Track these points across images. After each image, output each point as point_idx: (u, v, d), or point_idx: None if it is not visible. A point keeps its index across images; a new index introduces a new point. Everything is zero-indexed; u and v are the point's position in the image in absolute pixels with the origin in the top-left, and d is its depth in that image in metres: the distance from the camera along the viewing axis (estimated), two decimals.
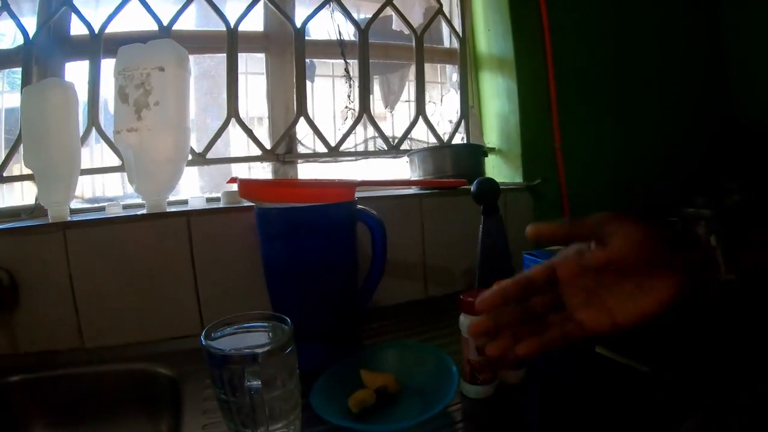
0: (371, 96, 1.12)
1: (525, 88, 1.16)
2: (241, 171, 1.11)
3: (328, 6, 1.12)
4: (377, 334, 0.84)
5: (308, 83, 1.11)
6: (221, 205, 0.94)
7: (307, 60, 1.10)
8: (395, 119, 1.25)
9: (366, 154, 1.12)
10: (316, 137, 1.08)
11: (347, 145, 1.13)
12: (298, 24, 1.09)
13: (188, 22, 1.09)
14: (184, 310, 0.84)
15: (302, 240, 0.68)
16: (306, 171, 1.11)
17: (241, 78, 1.06)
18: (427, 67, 1.21)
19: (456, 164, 1.02)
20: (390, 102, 1.26)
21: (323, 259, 0.69)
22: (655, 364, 0.65)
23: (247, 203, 0.84)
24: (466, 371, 0.60)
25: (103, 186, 1.10)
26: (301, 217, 0.67)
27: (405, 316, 0.91)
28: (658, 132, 1.37)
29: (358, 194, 0.97)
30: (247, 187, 0.72)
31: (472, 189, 0.77)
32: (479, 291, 0.52)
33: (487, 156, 1.08)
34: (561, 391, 0.62)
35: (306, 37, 1.10)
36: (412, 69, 1.20)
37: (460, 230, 0.98)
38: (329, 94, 1.18)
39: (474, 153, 1.05)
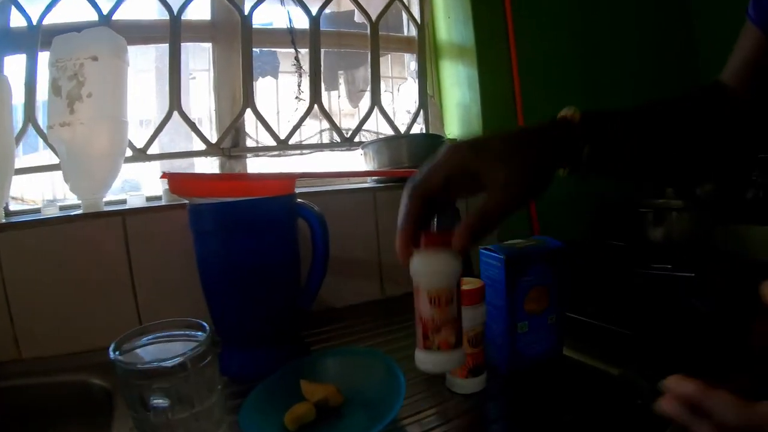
0: (337, 92, 1.09)
1: (486, 77, 1.14)
2: (192, 167, 1.07)
3: None
4: (328, 338, 0.81)
5: (271, 79, 1.09)
6: (162, 203, 0.90)
7: (270, 53, 1.07)
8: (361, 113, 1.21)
9: (317, 146, 1.09)
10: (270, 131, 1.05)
11: (299, 139, 1.09)
12: (246, 11, 1.05)
13: (137, 12, 1.04)
14: (122, 317, 0.81)
15: (236, 238, 0.65)
16: (256, 167, 1.08)
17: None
18: (388, 57, 1.18)
19: (413, 155, 0.99)
20: (354, 99, 1.24)
21: (259, 259, 0.66)
22: (627, 366, 0.62)
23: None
24: (419, 335, 0.45)
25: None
26: (234, 213, 0.64)
27: (360, 317, 0.89)
28: None
29: (306, 189, 0.95)
30: (177, 181, 0.68)
31: None
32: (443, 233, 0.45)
33: None
34: (528, 397, 0.59)
35: (257, 26, 1.07)
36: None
37: None
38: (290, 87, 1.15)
39: (432, 143, 1.02)
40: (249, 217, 0.64)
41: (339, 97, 1.22)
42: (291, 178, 0.69)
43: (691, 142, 0.53)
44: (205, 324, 0.49)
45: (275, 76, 1.20)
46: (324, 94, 1.13)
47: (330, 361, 0.65)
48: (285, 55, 1.15)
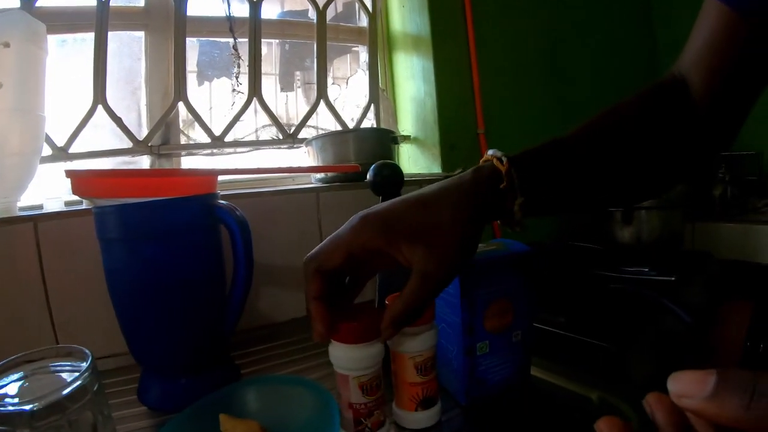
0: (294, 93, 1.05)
1: (443, 68, 1.12)
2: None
3: None
4: (266, 358, 0.76)
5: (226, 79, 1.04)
6: (84, 206, 0.85)
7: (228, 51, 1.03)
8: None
9: (256, 143, 1.05)
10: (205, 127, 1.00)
11: (239, 136, 1.05)
12: None
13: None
14: (37, 335, 0.75)
15: (144, 246, 0.59)
16: (191, 166, 1.04)
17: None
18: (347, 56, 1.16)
19: (359, 152, 0.96)
20: (309, 95, 1.21)
21: (173, 271, 0.60)
22: (607, 387, 0.58)
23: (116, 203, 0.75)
24: (350, 420, 0.47)
25: None
26: (139, 216, 0.58)
27: (305, 333, 0.84)
28: (589, 110, 1.37)
29: (241, 191, 0.91)
30: (77, 180, 0.63)
31: (368, 176, 0.70)
32: (363, 311, 0.46)
33: (397, 143, 1.03)
34: (491, 430, 0.54)
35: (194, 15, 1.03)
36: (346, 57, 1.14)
37: None
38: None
39: (380, 138, 0.99)
40: (158, 220, 0.58)
41: (297, 98, 1.19)
42: (210, 174, 0.64)
43: (641, 158, 0.50)
44: (89, 352, 0.43)
45: (229, 76, 1.16)
46: (281, 95, 1.10)
47: (255, 391, 0.58)
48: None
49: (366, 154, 0.97)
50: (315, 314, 0.42)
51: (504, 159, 0.43)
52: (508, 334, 0.55)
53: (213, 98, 1.09)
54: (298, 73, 1.22)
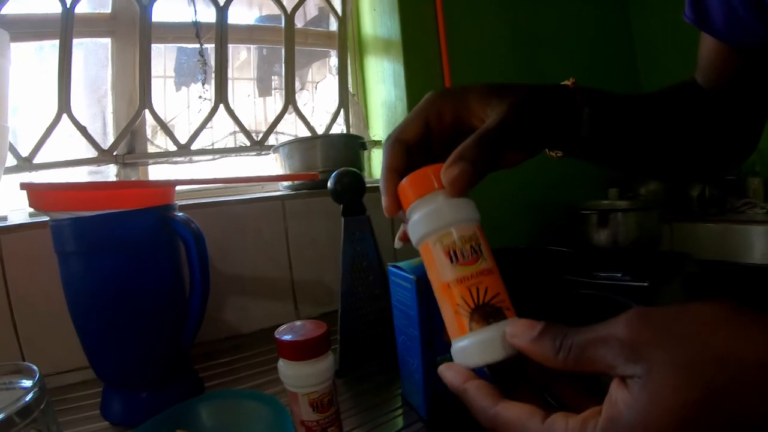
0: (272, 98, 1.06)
1: (413, 71, 1.14)
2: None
3: None
4: (231, 371, 0.77)
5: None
6: (47, 219, 0.85)
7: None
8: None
9: (223, 151, 1.06)
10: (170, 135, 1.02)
11: (210, 141, 1.07)
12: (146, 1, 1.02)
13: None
14: (1, 349, 0.75)
15: (98, 259, 0.60)
16: (158, 176, 1.05)
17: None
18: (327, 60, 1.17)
19: (327, 158, 0.98)
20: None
21: (128, 284, 0.61)
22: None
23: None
24: None
25: None
26: (94, 229, 0.60)
27: (272, 343, 0.85)
28: None
29: (205, 200, 0.93)
30: (33, 193, 0.64)
31: (329, 184, 0.72)
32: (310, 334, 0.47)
33: (365, 149, 1.04)
34: None
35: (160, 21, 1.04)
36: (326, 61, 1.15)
37: (332, 236, 0.93)
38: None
39: (348, 144, 1.01)
40: (113, 233, 0.60)
41: (275, 103, 1.21)
42: (165, 185, 0.66)
43: (686, 132, 0.53)
44: (36, 369, 0.44)
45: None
46: (258, 100, 1.12)
47: (213, 405, 0.59)
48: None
49: (333, 161, 0.98)
50: (386, 186, 0.39)
51: (574, 83, 0.46)
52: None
53: (192, 104, 1.11)
54: (275, 78, 1.24)
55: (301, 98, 1.19)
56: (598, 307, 0.86)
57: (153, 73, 1.03)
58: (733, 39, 0.51)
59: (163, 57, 1.12)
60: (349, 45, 1.25)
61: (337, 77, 1.18)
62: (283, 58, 1.11)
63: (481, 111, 0.40)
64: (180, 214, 0.66)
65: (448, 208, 0.35)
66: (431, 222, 0.35)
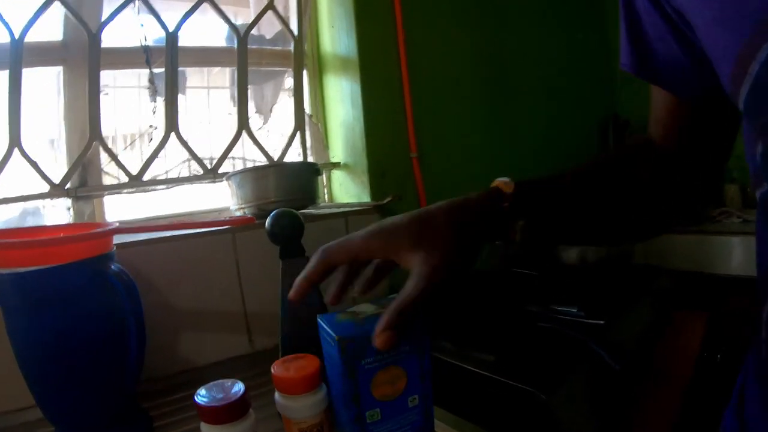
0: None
1: (371, 90, 1.18)
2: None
3: (132, 5, 1.10)
4: (182, 408, 0.81)
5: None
6: None
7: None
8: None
9: (176, 181, 1.11)
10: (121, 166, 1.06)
11: (160, 171, 1.11)
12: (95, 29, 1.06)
13: None
14: None
15: (40, 312, 0.66)
16: (113, 207, 1.10)
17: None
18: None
19: (280, 187, 1.02)
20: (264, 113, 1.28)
21: (69, 333, 0.67)
22: None
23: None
24: None
25: None
26: (34, 285, 0.65)
27: (226, 376, 0.88)
28: (538, 133, 1.42)
29: (152, 235, 0.97)
30: None
31: (266, 225, 0.76)
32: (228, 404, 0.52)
33: (320, 174, 1.08)
34: None
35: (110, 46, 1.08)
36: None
37: None
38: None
39: (302, 172, 1.05)
40: (50, 288, 0.66)
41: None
42: (101, 237, 0.71)
43: (638, 203, 0.58)
44: None
45: (182, 92, 1.21)
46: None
47: None
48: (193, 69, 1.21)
49: (286, 190, 1.02)
50: (297, 287, 0.51)
51: (511, 182, 0.52)
52: (403, 400, 0.54)
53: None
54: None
55: (260, 122, 1.23)
56: (556, 342, 0.85)
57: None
58: (676, 87, 0.53)
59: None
60: (308, 64, 1.29)
61: (292, 98, 1.22)
62: (236, 81, 1.14)
63: (409, 259, 0.47)
64: (114, 266, 0.71)
65: (305, 408, 0.56)
66: (293, 413, 0.56)
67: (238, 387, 0.54)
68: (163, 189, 1.09)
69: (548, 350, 0.81)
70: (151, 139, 1.08)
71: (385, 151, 1.19)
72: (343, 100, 1.22)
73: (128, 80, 1.16)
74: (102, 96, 1.08)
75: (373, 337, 0.46)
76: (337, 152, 1.27)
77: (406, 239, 0.47)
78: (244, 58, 1.15)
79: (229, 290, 0.98)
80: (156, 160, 1.09)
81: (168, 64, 1.09)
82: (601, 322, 0.91)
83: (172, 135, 1.08)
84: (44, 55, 1.08)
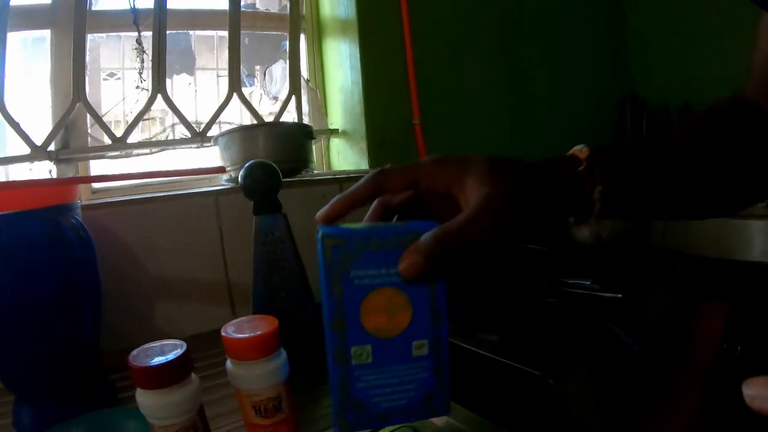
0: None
1: (370, 53, 1.13)
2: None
3: None
4: None
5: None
6: None
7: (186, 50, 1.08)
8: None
9: (162, 144, 1.06)
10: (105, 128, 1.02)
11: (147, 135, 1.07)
12: None
13: None
14: None
15: None
16: (98, 171, 1.06)
17: None
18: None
19: (269, 149, 0.97)
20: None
21: (15, 293, 0.62)
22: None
23: None
24: None
25: None
26: None
27: (205, 350, 0.84)
28: (550, 104, 1.35)
29: (129, 197, 0.93)
30: None
31: (239, 177, 0.71)
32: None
33: (313, 137, 1.03)
34: None
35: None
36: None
37: None
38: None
39: (294, 134, 0.99)
40: None
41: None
42: (58, 184, 0.67)
43: (720, 169, 0.48)
44: None
45: (190, 72, 1.21)
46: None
47: (108, 420, 0.60)
48: (203, 49, 1.17)
49: (277, 152, 0.97)
50: (334, 201, 0.42)
51: (585, 147, 0.43)
52: (405, 343, 0.41)
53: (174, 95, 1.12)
54: (257, 67, 1.26)
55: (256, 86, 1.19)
56: (567, 320, 0.77)
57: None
58: None
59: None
60: (306, 27, 1.24)
61: (287, 62, 1.17)
62: (228, 44, 1.10)
63: (472, 192, 0.39)
64: (74, 219, 0.67)
65: (259, 378, 0.49)
66: (244, 382, 0.49)
67: (179, 350, 0.46)
68: (147, 153, 1.05)
69: (558, 330, 0.72)
70: (137, 101, 1.04)
71: (385, 117, 1.13)
72: (342, 64, 1.17)
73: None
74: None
75: (401, 258, 0.37)
76: (336, 119, 1.22)
77: (479, 170, 0.39)
78: (237, 20, 1.10)
79: (211, 258, 0.94)
80: (138, 124, 1.05)
81: (156, 25, 1.05)
82: (619, 295, 0.82)
83: (159, 97, 1.04)
84: (32, 18, 1.06)
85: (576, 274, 0.89)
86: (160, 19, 1.04)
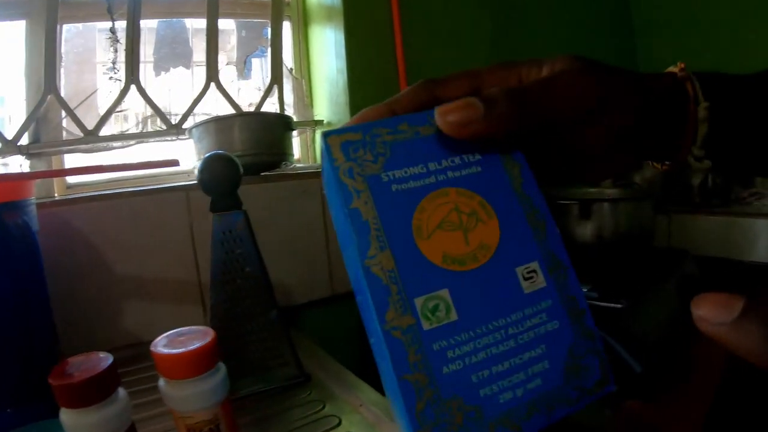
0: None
1: (356, 39, 1.08)
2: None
3: None
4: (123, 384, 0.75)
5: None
6: None
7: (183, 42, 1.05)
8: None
9: (136, 136, 1.03)
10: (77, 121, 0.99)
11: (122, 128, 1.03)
12: None
13: None
14: None
15: None
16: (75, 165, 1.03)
17: None
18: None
19: (245, 140, 0.92)
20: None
21: None
22: None
23: None
24: None
25: None
26: None
27: None
28: None
29: (96, 192, 0.89)
30: None
31: (196, 171, 0.67)
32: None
33: (292, 129, 0.98)
34: None
35: None
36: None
37: None
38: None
39: (272, 125, 0.95)
40: None
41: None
42: (8, 180, 0.63)
43: None
44: None
45: (187, 66, 1.18)
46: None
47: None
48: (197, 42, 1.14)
49: (253, 143, 0.93)
50: (366, 111, 0.31)
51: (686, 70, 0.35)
52: (504, 272, 0.25)
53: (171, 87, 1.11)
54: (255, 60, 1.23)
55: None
56: None
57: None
58: None
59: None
60: (292, 14, 1.20)
61: (268, 50, 1.12)
62: (206, 32, 1.05)
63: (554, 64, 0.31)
64: (21, 219, 0.63)
65: (192, 398, 0.44)
66: (177, 404, 0.44)
67: (105, 362, 0.41)
68: (120, 147, 1.01)
69: None
70: (110, 91, 1.00)
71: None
72: (327, 52, 1.13)
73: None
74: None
75: (439, 108, 0.27)
76: (322, 110, 1.17)
77: (568, 62, 0.31)
78: (215, 6, 1.05)
79: (181, 256, 0.90)
80: (111, 116, 1.01)
81: (130, 13, 1.01)
82: (619, 305, 0.78)
83: (133, 87, 1.00)
84: (7, 8, 1.03)
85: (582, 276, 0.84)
86: (134, 8, 1.00)
